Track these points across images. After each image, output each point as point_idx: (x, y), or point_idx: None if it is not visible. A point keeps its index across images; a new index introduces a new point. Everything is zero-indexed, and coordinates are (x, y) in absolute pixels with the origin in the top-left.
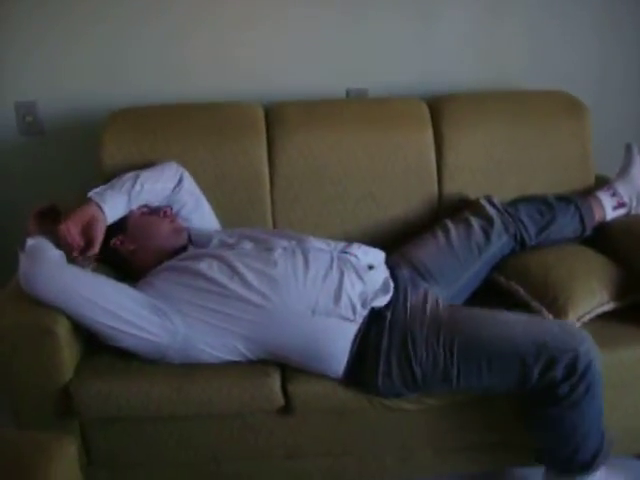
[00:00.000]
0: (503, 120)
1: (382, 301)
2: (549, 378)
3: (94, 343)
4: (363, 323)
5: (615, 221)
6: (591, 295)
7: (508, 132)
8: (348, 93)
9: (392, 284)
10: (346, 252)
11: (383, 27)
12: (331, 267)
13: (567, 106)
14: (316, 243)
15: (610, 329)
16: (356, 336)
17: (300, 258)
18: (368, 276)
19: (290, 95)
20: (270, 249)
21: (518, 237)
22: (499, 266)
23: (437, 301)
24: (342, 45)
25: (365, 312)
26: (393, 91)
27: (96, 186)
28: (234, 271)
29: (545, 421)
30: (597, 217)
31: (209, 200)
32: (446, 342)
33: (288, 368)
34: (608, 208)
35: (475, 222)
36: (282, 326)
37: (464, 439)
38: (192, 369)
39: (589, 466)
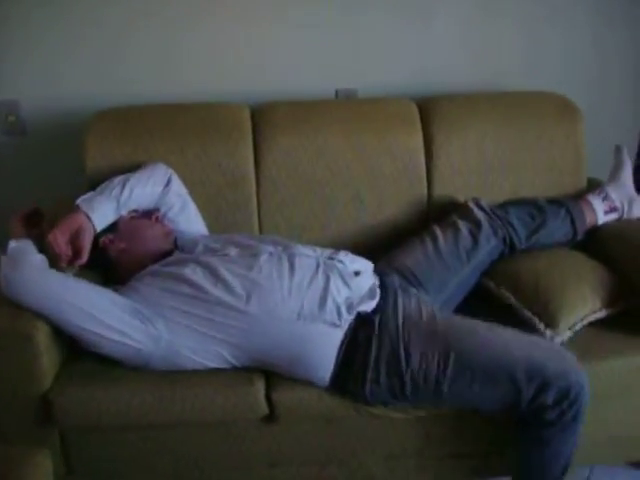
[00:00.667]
0: (495, 122)
1: (369, 306)
2: (540, 402)
3: (75, 350)
4: (349, 329)
5: (607, 226)
6: (582, 302)
7: (500, 134)
8: (337, 93)
9: (379, 290)
10: (332, 258)
11: (373, 27)
12: (317, 272)
13: (560, 108)
14: (303, 249)
15: (601, 337)
16: (342, 342)
17: (286, 264)
18: (354, 282)
19: (279, 95)
20: (256, 255)
21: (507, 240)
22: (489, 271)
23: (433, 311)
24: (331, 45)
25: (351, 317)
26: (383, 91)
27: (79, 188)
28: (218, 277)
29: (531, 443)
30: (589, 221)
31: (195, 202)
32: (441, 356)
33: (273, 376)
34: (600, 212)
35: (463, 226)
36: (267, 332)
37: (452, 448)
38: (175, 377)
39: None
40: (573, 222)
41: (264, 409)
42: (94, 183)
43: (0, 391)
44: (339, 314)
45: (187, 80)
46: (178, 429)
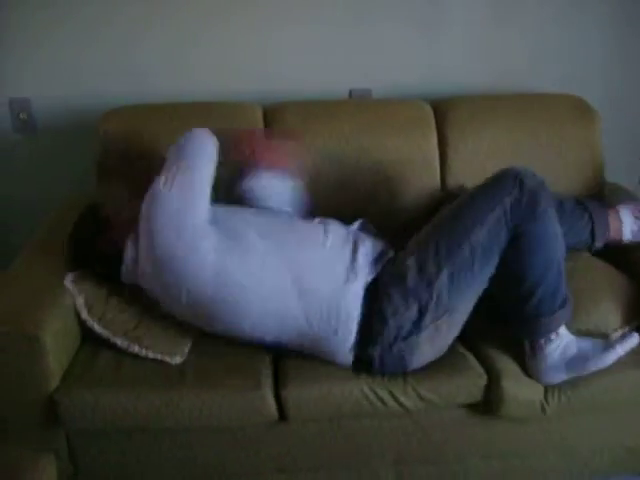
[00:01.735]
0: (510, 123)
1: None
2: (513, 217)
3: (86, 346)
4: (368, 289)
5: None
6: (598, 321)
7: (515, 135)
8: (351, 93)
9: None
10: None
11: (388, 27)
12: (347, 239)
13: (576, 110)
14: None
15: None
16: (363, 300)
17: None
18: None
19: (293, 95)
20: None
21: None
22: None
23: None
24: (346, 45)
25: (372, 275)
26: (397, 92)
27: (89, 185)
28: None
29: (532, 242)
30: (613, 234)
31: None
32: (430, 250)
33: (282, 374)
34: (627, 228)
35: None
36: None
37: (461, 452)
38: (182, 381)
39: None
40: (592, 230)
41: (273, 413)
42: (104, 180)
43: (6, 392)
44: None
45: (199, 79)
46: (185, 434)
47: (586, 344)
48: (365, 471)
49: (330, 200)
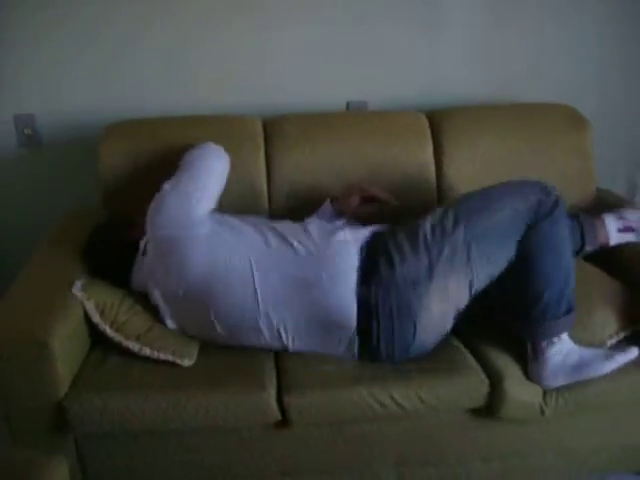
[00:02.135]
0: (503, 133)
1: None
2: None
3: (94, 352)
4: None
5: (629, 247)
6: (592, 330)
7: (508, 145)
8: (348, 105)
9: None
10: None
11: (383, 40)
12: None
13: (568, 119)
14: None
15: None
16: (360, 250)
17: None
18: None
19: (291, 108)
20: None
21: None
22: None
23: None
24: (342, 58)
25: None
26: (393, 104)
27: (93, 199)
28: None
29: (543, 240)
30: (601, 237)
31: None
32: (449, 211)
33: (284, 378)
34: (613, 230)
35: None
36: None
37: (462, 453)
38: (187, 383)
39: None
40: (582, 233)
41: (276, 414)
42: (108, 194)
43: (16, 398)
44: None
45: (199, 93)
46: (191, 436)
47: (587, 352)
48: (367, 474)
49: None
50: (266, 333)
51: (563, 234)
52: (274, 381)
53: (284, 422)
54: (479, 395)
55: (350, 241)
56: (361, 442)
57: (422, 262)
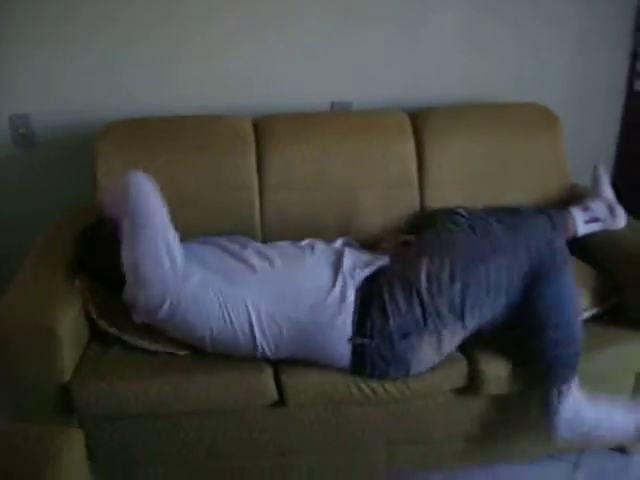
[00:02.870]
0: (481, 131)
1: (370, 269)
2: (535, 260)
3: (94, 343)
4: (360, 290)
5: (594, 234)
6: None
7: (486, 143)
8: (333, 106)
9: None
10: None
11: (367, 43)
12: (332, 252)
13: (541, 118)
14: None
15: (591, 330)
16: (357, 291)
17: (304, 249)
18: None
19: (277, 108)
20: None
21: (485, 234)
22: None
23: None
24: (327, 60)
25: (361, 276)
26: (376, 104)
27: (87, 197)
28: (247, 246)
29: (537, 306)
30: (570, 229)
31: (201, 208)
32: (445, 257)
33: (280, 365)
34: (580, 221)
35: (443, 226)
36: (291, 285)
37: (451, 433)
38: (190, 366)
39: (573, 368)
40: (554, 226)
41: (274, 394)
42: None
43: (23, 382)
44: (351, 274)
45: (190, 93)
46: (191, 417)
47: (599, 414)
48: (359, 452)
49: (314, 205)
50: (259, 356)
51: (564, 292)
52: (270, 368)
53: (281, 402)
54: (460, 376)
55: (348, 285)
56: (353, 423)
57: (416, 315)
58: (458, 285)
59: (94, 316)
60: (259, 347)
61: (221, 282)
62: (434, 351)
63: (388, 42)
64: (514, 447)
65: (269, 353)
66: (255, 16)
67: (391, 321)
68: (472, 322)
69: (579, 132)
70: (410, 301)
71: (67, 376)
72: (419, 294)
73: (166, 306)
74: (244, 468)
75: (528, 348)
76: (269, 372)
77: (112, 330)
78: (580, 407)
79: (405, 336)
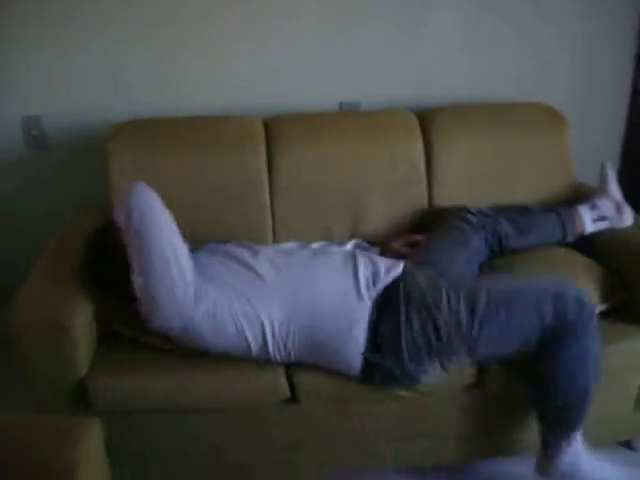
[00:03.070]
0: (488, 131)
1: (391, 276)
2: (562, 317)
3: (106, 340)
4: (377, 301)
5: (601, 232)
6: None
7: (493, 142)
8: (341, 106)
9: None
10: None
11: (374, 44)
12: (345, 256)
13: (547, 117)
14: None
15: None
16: (373, 307)
17: (317, 254)
18: (376, 259)
19: (287, 109)
20: (287, 250)
21: (495, 233)
22: (489, 270)
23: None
24: (335, 61)
25: (378, 287)
26: (384, 104)
27: (100, 197)
28: (258, 253)
29: (556, 367)
30: (578, 229)
31: (213, 207)
32: (466, 295)
33: (292, 366)
34: (587, 220)
35: (453, 225)
36: (306, 295)
37: (456, 429)
38: (201, 361)
39: (580, 422)
40: (563, 224)
41: (285, 391)
42: (114, 192)
43: (41, 378)
44: (369, 282)
45: (198, 94)
46: (203, 413)
47: (595, 466)
48: (368, 446)
49: (324, 204)
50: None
51: (588, 356)
52: (282, 366)
53: (293, 399)
54: (469, 374)
55: (364, 297)
56: (362, 419)
57: (429, 342)
58: (477, 322)
59: (117, 328)
60: (272, 355)
61: (233, 298)
62: (443, 370)
63: (394, 43)
64: (515, 441)
65: (280, 360)
66: (260, 17)
67: (403, 343)
68: (483, 354)
69: (585, 131)
70: (425, 327)
71: (82, 372)
72: (435, 323)
73: (180, 326)
74: (254, 463)
75: (537, 392)
76: (281, 370)
77: (131, 333)
78: (580, 456)
79: (416, 358)
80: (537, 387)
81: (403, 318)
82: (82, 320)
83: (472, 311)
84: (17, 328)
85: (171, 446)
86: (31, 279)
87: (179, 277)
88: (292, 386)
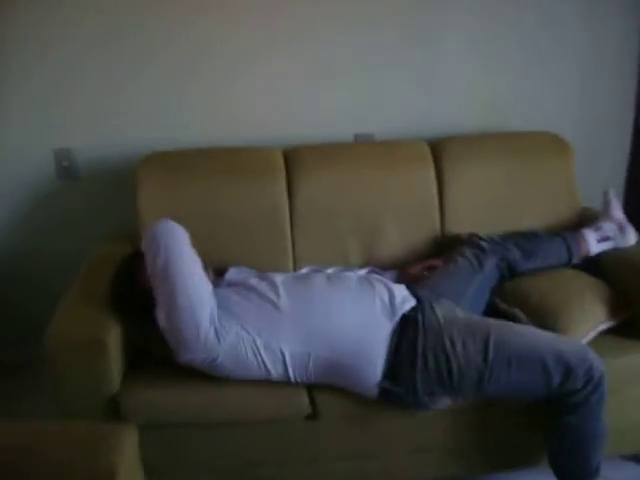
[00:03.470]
0: (497, 159)
1: (409, 304)
2: (569, 385)
3: (137, 357)
4: (396, 328)
5: (605, 252)
6: (585, 317)
7: (502, 170)
8: (356, 138)
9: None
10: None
11: (387, 79)
12: (363, 282)
13: (553, 145)
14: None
15: (606, 341)
16: (392, 337)
17: (335, 279)
18: (393, 287)
19: (304, 141)
20: (304, 277)
21: (505, 260)
22: (500, 293)
23: (465, 311)
24: (350, 95)
25: (396, 318)
26: (396, 135)
27: (129, 227)
28: (276, 286)
29: (563, 430)
30: (583, 248)
31: (235, 233)
32: (481, 344)
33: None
34: (592, 241)
35: (468, 251)
36: (325, 324)
37: (473, 442)
38: (227, 382)
39: (595, 474)
40: (569, 247)
41: (307, 408)
42: (144, 221)
43: (73, 395)
44: (386, 311)
45: (226, 127)
46: (230, 428)
47: None
48: (386, 459)
49: (341, 230)
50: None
51: (597, 427)
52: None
53: (314, 415)
54: None
55: (383, 326)
56: (381, 432)
57: (441, 378)
58: (488, 369)
59: (148, 347)
60: (292, 380)
61: (254, 334)
62: (451, 401)
63: (405, 78)
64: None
65: (301, 382)
66: (278, 61)
67: (418, 377)
68: (491, 395)
69: (590, 159)
70: (439, 365)
71: (115, 387)
72: (449, 363)
73: (203, 362)
74: (280, 476)
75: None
76: (303, 389)
77: (161, 352)
78: None
79: (428, 391)
80: (547, 435)
81: (420, 352)
82: (116, 337)
83: (485, 358)
84: (54, 346)
85: (197, 460)
86: (65, 302)
87: (201, 317)
88: (313, 403)
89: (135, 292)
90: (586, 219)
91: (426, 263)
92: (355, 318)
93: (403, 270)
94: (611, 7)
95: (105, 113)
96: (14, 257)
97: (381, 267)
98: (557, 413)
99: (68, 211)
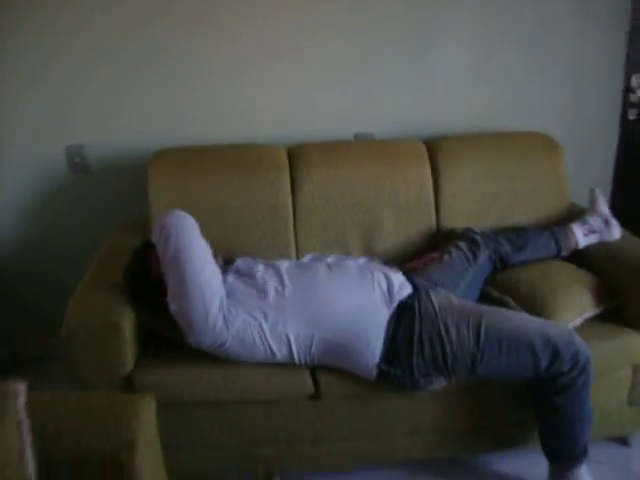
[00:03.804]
0: (490, 157)
1: (405, 292)
2: (555, 369)
3: (150, 340)
4: (394, 314)
5: (591, 245)
6: (573, 305)
7: (494, 168)
8: (356, 137)
9: (410, 284)
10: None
11: (386, 82)
12: (362, 270)
13: (544, 145)
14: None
15: (592, 327)
16: (389, 322)
17: (335, 267)
18: (391, 274)
19: (308, 139)
20: (307, 265)
21: (496, 252)
22: (492, 283)
23: (459, 298)
24: (351, 97)
25: (393, 305)
26: (395, 134)
27: (139, 220)
28: (281, 274)
29: (551, 410)
30: (571, 241)
31: (241, 227)
32: (474, 329)
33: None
34: (579, 234)
35: (463, 244)
36: (329, 305)
37: (469, 422)
38: (234, 364)
39: (583, 454)
40: (557, 240)
41: (310, 388)
42: (154, 214)
43: (89, 375)
44: (384, 298)
45: (233, 124)
46: (237, 406)
47: None
48: (385, 439)
49: (342, 223)
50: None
51: (584, 409)
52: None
53: (317, 395)
54: None
55: (381, 311)
56: (380, 413)
57: (436, 361)
58: (480, 351)
59: (160, 330)
60: (296, 362)
61: (261, 319)
62: (446, 381)
63: (403, 80)
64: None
65: (304, 364)
66: (294, 69)
67: (414, 360)
68: (483, 376)
69: (580, 158)
70: (434, 349)
71: (129, 367)
72: (444, 347)
73: (211, 346)
74: (282, 453)
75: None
76: (306, 370)
77: (173, 336)
78: None
79: (423, 372)
80: (537, 415)
81: (416, 338)
82: (130, 321)
83: (477, 342)
84: (71, 330)
85: (206, 437)
86: (80, 288)
87: (211, 305)
88: (316, 384)
89: (148, 281)
90: (574, 215)
91: (424, 258)
92: (354, 302)
93: (402, 266)
94: (599, 11)
95: (115, 111)
96: (28, 251)
97: (379, 259)
98: (546, 394)
99: (80, 205)
